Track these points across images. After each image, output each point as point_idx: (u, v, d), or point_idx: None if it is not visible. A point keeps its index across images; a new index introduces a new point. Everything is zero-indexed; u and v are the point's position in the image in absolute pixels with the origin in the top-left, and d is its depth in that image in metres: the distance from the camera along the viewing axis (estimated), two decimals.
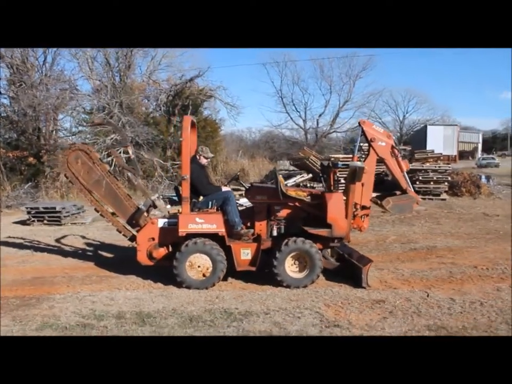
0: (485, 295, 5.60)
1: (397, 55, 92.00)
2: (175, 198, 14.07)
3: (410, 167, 15.87)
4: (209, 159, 6.38)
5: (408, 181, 6.45)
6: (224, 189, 6.38)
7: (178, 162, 19.68)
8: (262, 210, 6.09)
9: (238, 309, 5.06)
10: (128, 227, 6.54)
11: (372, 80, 60.20)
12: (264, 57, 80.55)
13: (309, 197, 5.96)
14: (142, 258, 6.07)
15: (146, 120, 20.95)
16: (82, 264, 7.24)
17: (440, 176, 15.31)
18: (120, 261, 7.41)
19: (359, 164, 5.69)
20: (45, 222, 11.41)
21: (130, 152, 6.27)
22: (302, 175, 18.45)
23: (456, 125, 29.98)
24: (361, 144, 7.31)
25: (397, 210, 6.34)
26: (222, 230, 5.75)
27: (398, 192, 6.48)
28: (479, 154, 42.35)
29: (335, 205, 5.74)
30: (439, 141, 26.38)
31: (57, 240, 9.28)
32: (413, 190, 6.44)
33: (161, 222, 6.09)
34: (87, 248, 8.59)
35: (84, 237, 9.63)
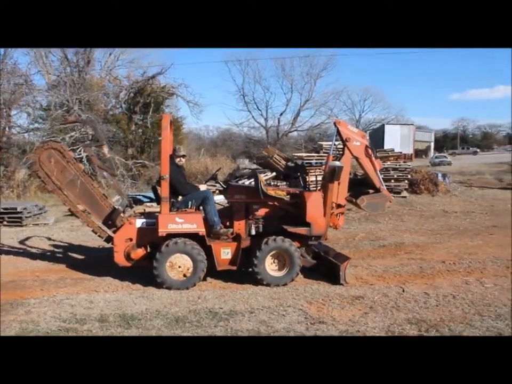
0: (455, 288, 5.88)
1: (355, 56, 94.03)
2: (140, 198, 13.87)
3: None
4: (182, 159, 6.30)
5: (381, 179, 6.65)
6: (202, 187, 6.36)
7: (140, 161, 19.35)
8: (241, 209, 6.11)
9: (223, 308, 5.06)
10: (104, 228, 6.38)
11: (332, 79, 61.27)
12: (227, 55, 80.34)
13: (288, 196, 6.03)
14: (120, 259, 5.95)
15: (106, 118, 20.42)
16: (53, 266, 7.00)
17: (401, 175, 15.85)
18: (92, 262, 7.23)
19: (338, 163, 5.82)
20: (5, 223, 10.92)
21: (105, 151, 6.12)
22: (265, 174, 18.58)
23: (412, 124, 31.17)
24: (336, 143, 7.45)
25: (370, 208, 6.52)
26: (202, 230, 5.73)
27: (371, 191, 6.69)
28: (431, 152, 44.07)
29: (314, 204, 5.85)
30: (396, 139, 27.32)
31: (22, 242, 8.92)
32: (385, 189, 6.66)
33: (139, 222, 5.99)
34: (55, 249, 8.31)
35: (49, 239, 9.30)
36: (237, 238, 5.99)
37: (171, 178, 5.71)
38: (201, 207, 6.11)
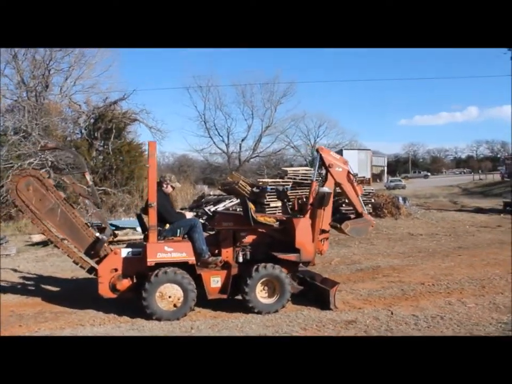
0: (440, 309, 6.03)
1: (311, 83, 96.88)
2: (103, 225, 13.42)
3: (337, 191, 16.91)
4: (170, 186, 6.20)
5: (363, 204, 6.81)
6: (188, 215, 6.26)
7: (103, 188, 18.84)
8: (228, 236, 6.07)
9: None
10: (86, 258, 6.11)
11: (291, 106, 62.72)
12: (188, 80, 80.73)
13: (277, 223, 6.05)
14: (104, 290, 5.71)
15: (65, 144, 19.83)
16: (28, 300, 6.60)
17: (365, 199, 16.23)
18: (69, 294, 6.90)
19: (327, 189, 5.92)
20: None
21: (88, 178, 5.91)
22: (231, 200, 18.55)
23: (369, 149, 32.40)
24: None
25: (354, 233, 6.63)
26: (192, 258, 5.62)
27: (352, 216, 6.83)
28: (385, 177, 45.64)
29: (303, 230, 5.89)
30: (354, 164, 27.90)
31: None
32: (367, 213, 6.82)
33: (124, 252, 5.80)
34: (26, 282, 7.86)
35: (15, 270, 8.80)
36: (226, 265, 5.91)
37: (159, 206, 5.60)
38: (186, 235, 6.01)
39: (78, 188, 6.37)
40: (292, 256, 5.86)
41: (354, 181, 6.72)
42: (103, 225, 6.02)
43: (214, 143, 40.55)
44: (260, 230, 6.10)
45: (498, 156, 71.98)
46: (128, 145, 20.20)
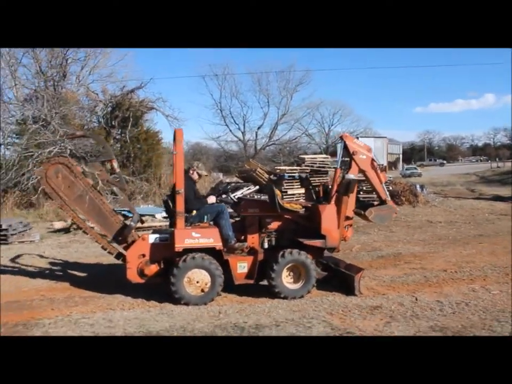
0: (464, 296, 6.04)
1: (327, 71, 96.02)
2: (125, 213, 13.61)
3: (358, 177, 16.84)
4: (197, 173, 6.27)
5: (387, 191, 6.80)
6: (209, 200, 6.30)
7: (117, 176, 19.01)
8: (254, 223, 6.13)
9: (247, 322, 5.02)
10: (114, 244, 6.23)
11: (307, 94, 62.04)
12: (204, 69, 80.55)
13: (303, 209, 6.09)
14: (133, 276, 5.83)
15: (82, 132, 20.04)
16: (56, 285, 6.76)
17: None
18: (95, 279, 7.05)
19: (352, 176, 5.93)
20: None
21: (115, 166, 5.99)
22: (248, 187, 18.61)
23: (385, 137, 32.10)
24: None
25: (378, 220, 6.63)
26: (219, 244, 5.69)
27: (375, 203, 6.83)
28: (400, 165, 45.20)
29: (329, 216, 5.92)
30: None
31: (13, 260, 8.58)
32: (391, 200, 6.81)
33: (152, 238, 5.89)
34: (53, 267, 8.04)
35: (41, 256, 9.00)
36: (253, 251, 5.98)
37: (185, 191, 5.68)
38: (212, 221, 6.07)
39: (106, 174, 6.46)
40: (317, 242, 5.91)
41: (378, 168, 6.71)
42: (133, 212, 6.12)
43: (230, 131, 40.63)
44: (285, 216, 6.14)
45: None
46: (146, 133, 20.33)
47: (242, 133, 39.18)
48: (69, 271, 7.72)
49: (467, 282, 6.74)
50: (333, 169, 17.29)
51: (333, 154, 35.16)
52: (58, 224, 13.48)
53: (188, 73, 79.25)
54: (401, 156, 47.82)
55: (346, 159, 6.77)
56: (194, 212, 5.91)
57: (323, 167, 17.18)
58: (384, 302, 5.77)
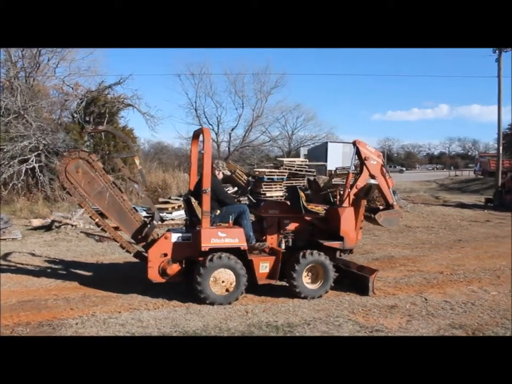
0: (467, 296, 6.42)
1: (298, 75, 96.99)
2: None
3: (333, 183, 17.21)
4: (221, 173, 6.34)
5: (393, 196, 7.11)
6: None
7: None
8: (273, 224, 6.25)
9: (278, 321, 5.13)
10: (133, 242, 6.16)
11: (281, 97, 62.08)
12: (180, 67, 79.26)
13: (324, 211, 6.27)
14: (154, 275, 5.79)
15: (56, 127, 19.43)
16: (64, 284, 6.59)
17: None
18: (102, 278, 6.92)
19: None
20: None
21: (137, 162, 5.93)
22: (227, 188, 18.68)
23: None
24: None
25: (387, 223, 6.91)
26: (244, 244, 5.77)
27: (381, 207, 7.13)
28: None
29: (348, 218, 6.14)
30: (338, 156, 28.65)
31: (5, 259, 8.25)
32: (397, 205, 7.12)
33: (174, 237, 5.88)
34: (53, 266, 7.80)
35: (33, 255, 8.70)
36: (274, 252, 6.09)
37: (217, 189, 5.74)
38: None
39: (127, 171, 6.37)
40: (336, 244, 6.10)
41: (386, 173, 7.00)
42: (154, 210, 6.08)
43: None
44: (302, 218, 6.30)
45: (469, 153, 74.69)
46: (122, 130, 19.91)
47: (216, 133, 39.12)
48: (71, 270, 7.52)
49: (465, 284, 7.14)
50: (310, 173, 17.74)
51: (295, 157, 35.73)
52: (36, 222, 13.03)
53: (165, 71, 78.28)
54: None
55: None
56: (218, 212, 5.96)
57: (300, 171, 17.55)
58: (398, 302, 6.04)
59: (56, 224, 11.95)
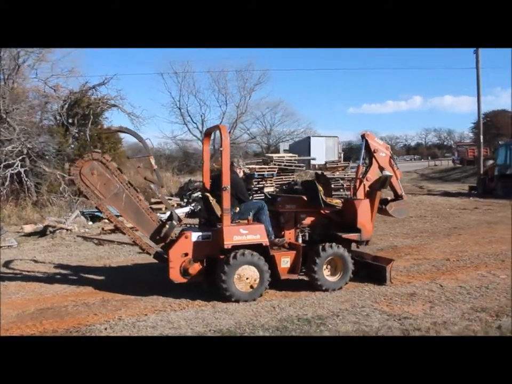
0: (479, 281, 6.60)
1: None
2: (98, 214, 13.14)
3: (328, 176, 17.36)
4: (246, 173, 6.35)
5: (402, 187, 7.23)
6: None
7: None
8: (291, 218, 6.29)
9: (307, 314, 5.18)
10: (152, 243, 6.09)
11: (266, 93, 62.46)
12: (163, 66, 78.31)
13: (341, 205, 6.34)
14: (175, 275, 5.74)
15: (39, 131, 18.98)
16: (80, 289, 6.46)
17: (348, 184, 16.87)
18: (116, 282, 6.81)
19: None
20: None
21: (152, 162, 5.85)
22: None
23: (336, 136, 33.40)
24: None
25: (397, 213, 7.05)
26: (265, 240, 5.78)
27: (389, 198, 7.24)
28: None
29: (364, 210, 6.22)
30: (321, 150, 29.02)
31: (8, 266, 8.04)
32: (406, 195, 7.24)
33: (194, 236, 5.84)
34: (62, 271, 7.63)
35: (35, 261, 8.50)
36: (294, 246, 6.13)
37: (238, 186, 5.73)
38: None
39: (143, 171, 6.29)
40: (354, 236, 6.18)
41: (394, 165, 7.11)
42: (171, 210, 6.02)
43: (189, 129, 40.32)
44: (319, 212, 6.35)
45: (445, 143, 76.20)
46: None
47: (200, 132, 38.97)
48: (82, 274, 7.38)
49: (473, 269, 7.33)
50: (299, 168, 17.83)
51: (274, 152, 35.97)
52: (28, 228, 12.73)
53: (147, 70, 77.24)
54: (342, 154, 49.83)
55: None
56: (237, 209, 5.95)
57: (290, 166, 17.64)
58: (416, 290, 6.16)
59: (51, 229, 11.69)
